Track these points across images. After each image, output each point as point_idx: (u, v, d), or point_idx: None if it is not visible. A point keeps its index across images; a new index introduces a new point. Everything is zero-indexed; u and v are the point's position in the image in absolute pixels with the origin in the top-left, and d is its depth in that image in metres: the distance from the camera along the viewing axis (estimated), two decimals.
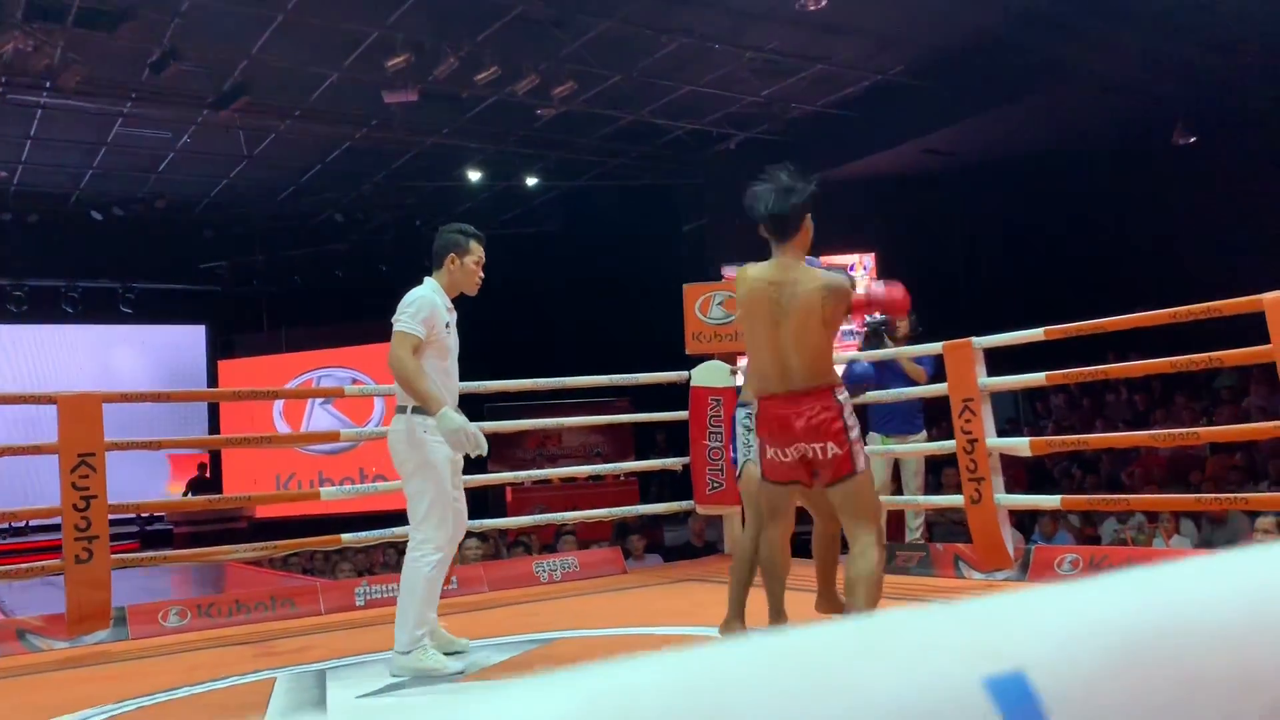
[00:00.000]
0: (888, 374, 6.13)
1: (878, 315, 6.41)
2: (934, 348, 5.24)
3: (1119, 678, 0.51)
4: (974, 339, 4.92)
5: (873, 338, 6.11)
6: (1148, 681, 0.51)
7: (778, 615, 3.59)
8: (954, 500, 5.26)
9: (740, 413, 4.05)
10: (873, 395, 5.95)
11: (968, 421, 4.92)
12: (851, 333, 7.57)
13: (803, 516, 3.69)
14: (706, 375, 6.07)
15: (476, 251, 3.95)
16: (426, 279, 3.91)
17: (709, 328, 6.17)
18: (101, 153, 11.62)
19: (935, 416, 6.79)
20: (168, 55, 8.94)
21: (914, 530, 6.16)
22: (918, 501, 5.93)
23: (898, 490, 6.17)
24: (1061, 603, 0.55)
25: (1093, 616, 0.54)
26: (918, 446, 6.04)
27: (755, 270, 3.38)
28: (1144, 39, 9.24)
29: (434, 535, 3.66)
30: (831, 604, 3.93)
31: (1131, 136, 11.23)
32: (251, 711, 3.22)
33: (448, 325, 3.86)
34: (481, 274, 3.99)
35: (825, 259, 3.73)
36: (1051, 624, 0.53)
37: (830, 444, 3.31)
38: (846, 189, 12.30)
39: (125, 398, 5.55)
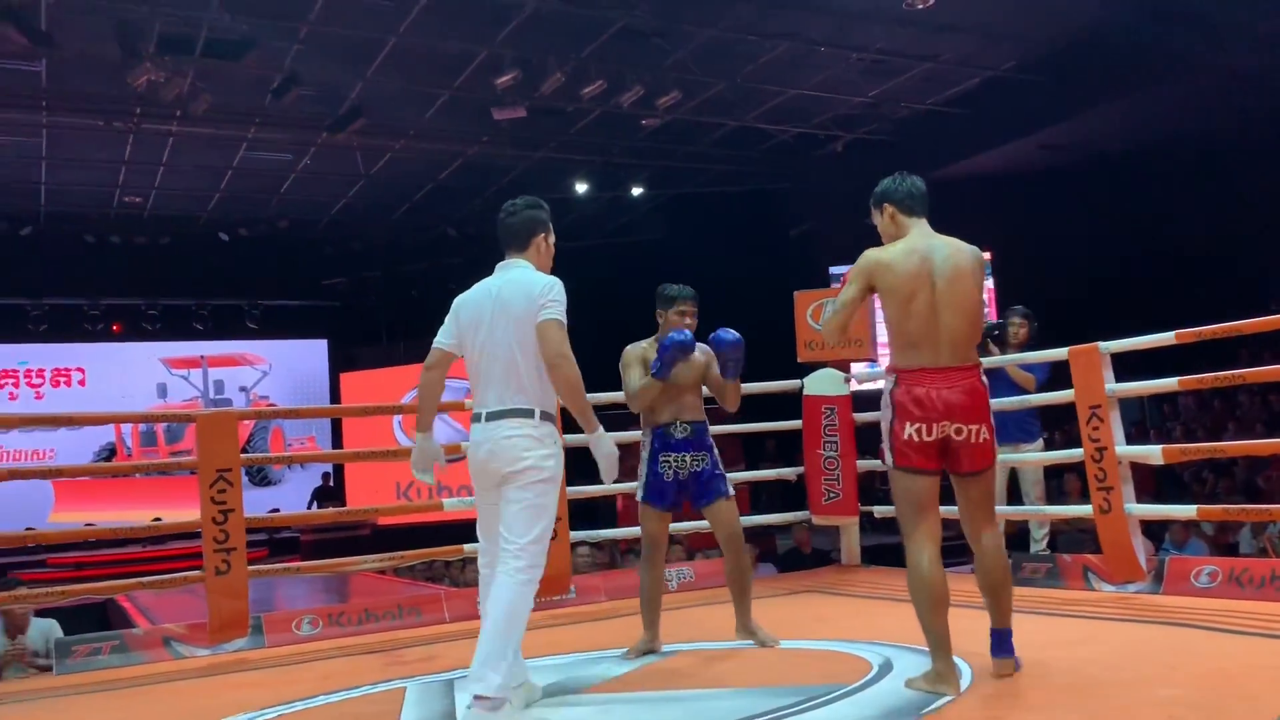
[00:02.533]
0: (997, 382, 5.97)
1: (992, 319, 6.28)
2: (1059, 353, 5.09)
3: None
4: (1100, 344, 4.77)
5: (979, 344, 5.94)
6: None
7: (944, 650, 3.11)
8: (1081, 510, 5.10)
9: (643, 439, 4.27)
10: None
11: (1095, 429, 4.76)
12: None
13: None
14: (820, 384, 6.02)
15: (553, 230, 3.48)
16: (517, 261, 3.36)
17: (821, 335, 6.10)
18: (228, 176, 12.15)
19: (1048, 423, 6.60)
20: (288, 81, 9.31)
21: (1039, 541, 5.99)
22: (1044, 511, 5.77)
23: (1015, 501, 6.01)
24: None
25: None
26: (1036, 456, 5.89)
27: (895, 245, 3.25)
28: (1271, 26, 8.82)
29: (541, 557, 3.20)
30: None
31: (1258, 128, 10.73)
32: None
33: None
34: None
35: None
36: None
37: (983, 427, 3.17)
38: (958, 188, 12.04)
39: (259, 415, 5.78)
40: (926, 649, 3.75)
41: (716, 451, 4.28)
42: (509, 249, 3.37)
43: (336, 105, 10.19)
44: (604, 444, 3.28)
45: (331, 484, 14.57)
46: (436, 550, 5.50)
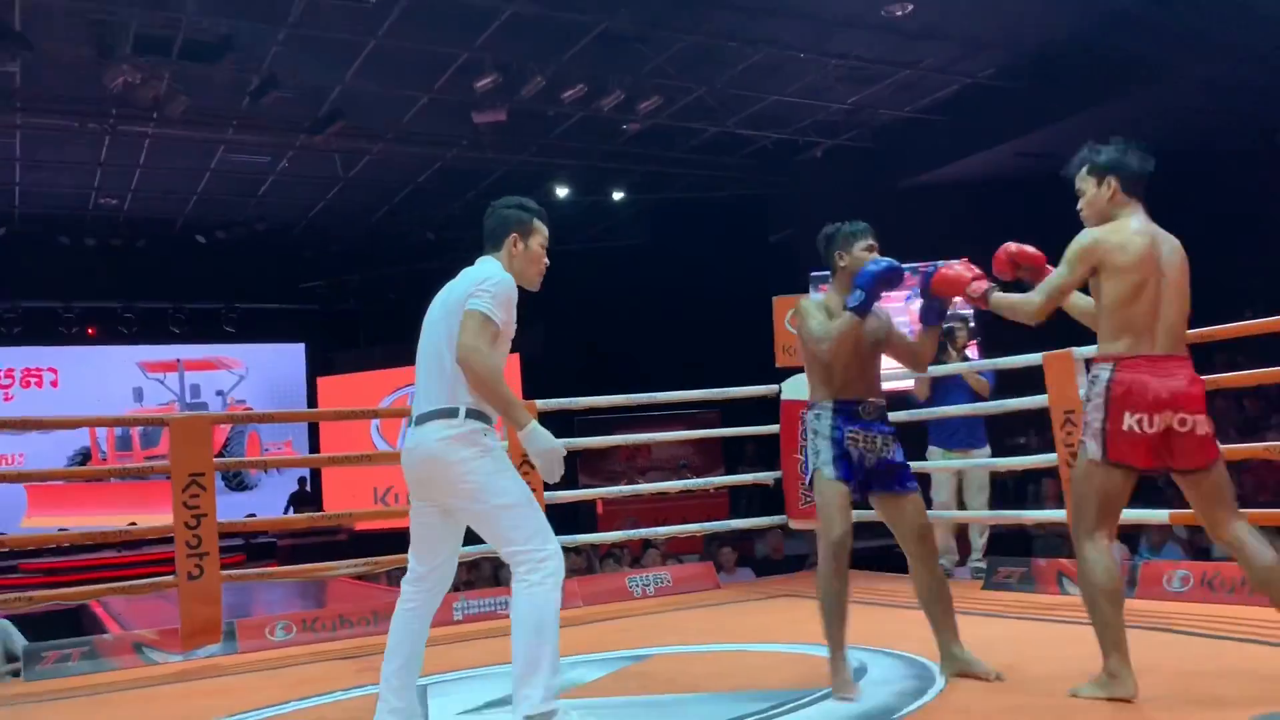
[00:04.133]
0: (951, 387, 6.03)
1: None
2: (1034, 358, 5.11)
3: None
4: (1075, 349, 4.80)
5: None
6: None
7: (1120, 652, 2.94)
8: (1056, 515, 5.13)
9: (809, 414, 3.49)
10: (938, 410, 5.90)
11: (1069, 434, 4.79)
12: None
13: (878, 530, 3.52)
14: (798, 388, 6.02)
15: (541, 232, 3.22)
16: (486, 258, 3.17)
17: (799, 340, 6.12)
18: (205, 179, 12.06)
19: (999, 432, 6.62)
20: (267, 83, 9.25)
21: (978, 550, 5.99)
22: (981, 517, 5.82)
23: (961, 507, 6.05)
24: None
25: None
26: (985, 461, 5.93)
27: (1122, 225, 3.07)
28: (1246, 37, 8.91)
29: (546, 545, 2.89)
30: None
31: (1230, 137, 10.84)
32: None
33: None
34: (546, 261, 3.26)
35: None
36: None
37: (1202, 418, 2.95)
38: (935, 194, 12.12)
39: (233, 419, 5.74)
40: (901, 653, 3.77)
41: None
42: (485, 247, 3.19)
43: (315, 107, 10.14)
44: (538, 438, 2.89)
45: (308, 489, 14.49)
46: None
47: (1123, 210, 3.11)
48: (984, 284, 3.27)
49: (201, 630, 4.75)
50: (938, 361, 5.98)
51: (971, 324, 6.40)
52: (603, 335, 13.07)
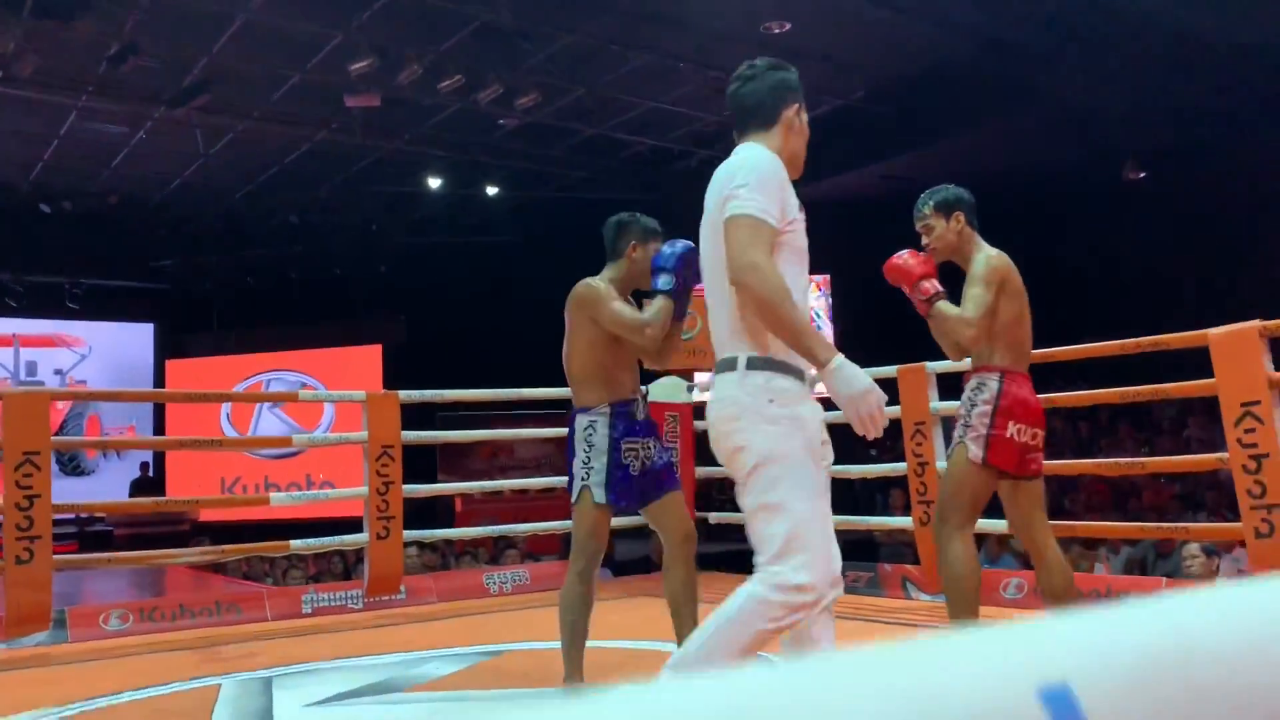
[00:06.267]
0: None
1: None
2: (888, 371, 5.30)
3: (1144, 690, 0.57)
4: (927, 364, 4.99)
5: None
6: (1167, 694, 0.57)
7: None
8: (903, 522, 5.32)
9: (580, 422, 3.22)
10: None
11: (919, 444, 4.99)
12: None
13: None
14: (663, 391, 6.09)
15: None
16: (745, 144, 2.44)
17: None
18: (54, 145, 11.41)
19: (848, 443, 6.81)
20: (126, 49, 8.81)
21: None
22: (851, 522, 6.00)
23: None
24: (1097, 623, 0.63)
25: (1122, 636, 0.59)
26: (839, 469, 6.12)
27: (998, 252, 3.38)
28: (1101, 69, 9.45)
29: (804, 572, 2.14)
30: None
31: (1084, 167, 11.48)
32: (196, 718, 3.17)
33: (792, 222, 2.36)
34: None
35: None
36: (1089, 641, 0.58)
37: (1042, 432, 3.31)
38: (806, 211, 12.41)
39: (74, 396, 5.45)
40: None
41: None
42: (744, 132, 2.47)
43: (178, 79, 9.72)
44: (844, 377, 2.12)
45: (151, 475, 13.84)
46: (261, 545, 5.29)
47: (971, 242, 3.36)
48: (935, 285, 3.34)
49: (28, 617, 4.49)
50: None
51: None
52: (469, 330, 12.92)
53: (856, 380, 2.10)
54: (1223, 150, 10.68)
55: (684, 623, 3.29)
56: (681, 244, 3.18)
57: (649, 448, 3.26)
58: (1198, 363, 4.07)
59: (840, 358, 2.12)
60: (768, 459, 2.13)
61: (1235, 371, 3.92)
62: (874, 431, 2.14)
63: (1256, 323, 3.92)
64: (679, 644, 3.30)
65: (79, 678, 3.95)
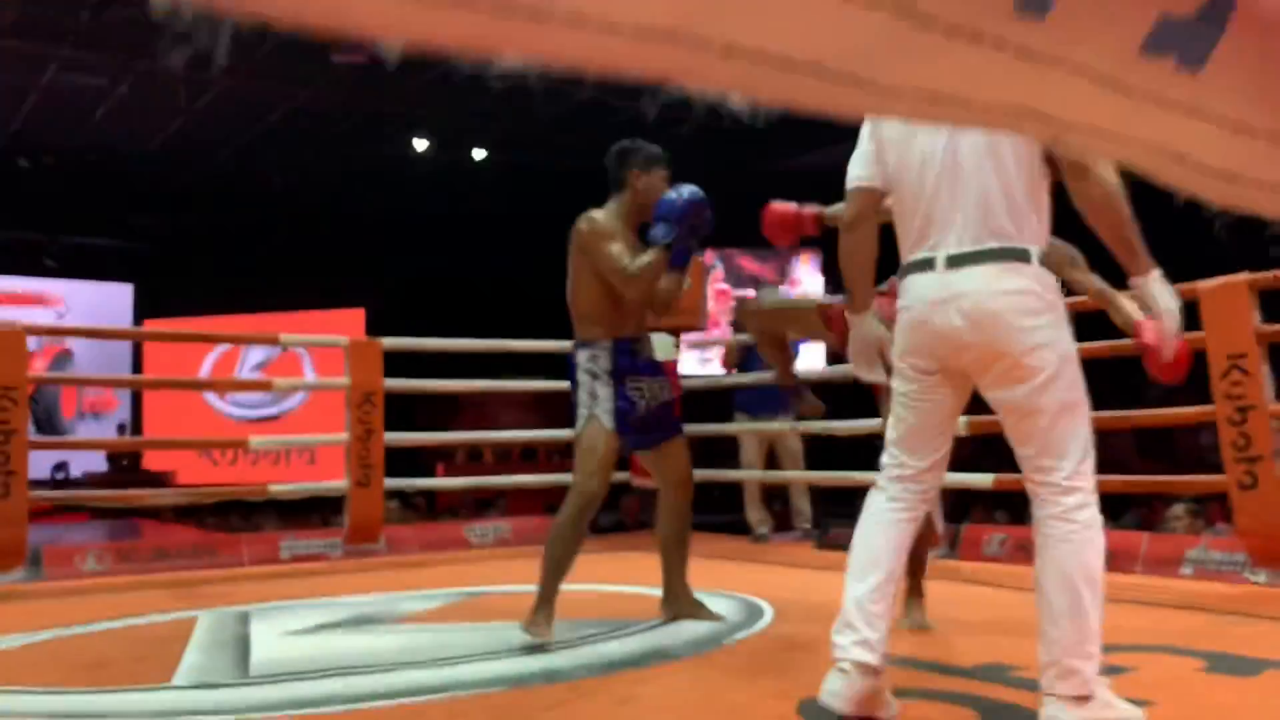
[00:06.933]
0: (758, 356, 6.21)
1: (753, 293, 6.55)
2: None
3: None
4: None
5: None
6: None
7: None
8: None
9: (582, 355, 3.17)
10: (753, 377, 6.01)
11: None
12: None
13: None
14: (660, 348, 6.05)
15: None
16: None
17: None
18: (33, 98, 11.24)
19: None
20: None
21: (805, 515, 6.12)
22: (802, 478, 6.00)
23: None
24: None
25: None
26: (790, 425, 6.07)
27: None
28: None
29: (1092, 488, 2.04)
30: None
31: None
32: (174, 644, 3.14)
33: None
34: None
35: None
36: None
37: None
38: (798, 181, 12.36)
39: (53, 331, 5.38)
40: (731, 593, 3.85)
41: None
42: None
43: (161, 30, 9.58)
44: (1167, 289, 2.04)
45: (129, 436, 13.72)
46: (238, 489, 5.25)
47: None
48: (813, 209, 3.06)
49: (4, 553, 4.44)
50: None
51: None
52: (452, 295, 12.85)
53: (1172, 294, 2.04)
54: None
55: (672, 569, 3.32)
56: (689, 191, 3.07)
57: (654, 388, 3.19)
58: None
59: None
60: (1068, 358, 2.04)
61: (1223, 325, 3.92)
62: (1169, 355, 2.09)
63: (1245, 275, 3.91)
64: (664, 589, 3.34)
65: (54, 611, 3.91)
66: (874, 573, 2.10)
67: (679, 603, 3.32)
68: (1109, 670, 2.42)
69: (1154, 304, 2.04)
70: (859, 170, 2.28)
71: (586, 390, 3.11)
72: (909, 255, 2.16)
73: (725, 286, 12.54)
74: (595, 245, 3.10)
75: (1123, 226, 2.01)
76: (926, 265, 2.10)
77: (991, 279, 2.03)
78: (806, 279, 12.68)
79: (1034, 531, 2.06)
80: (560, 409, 3.20)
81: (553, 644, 2.94)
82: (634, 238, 3.18)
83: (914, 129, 2.12)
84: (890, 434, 2.22)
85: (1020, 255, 2.04)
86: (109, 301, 14.58)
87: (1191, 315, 4.00)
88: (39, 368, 13.32)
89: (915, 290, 2.12)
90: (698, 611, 3.30)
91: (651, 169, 3.21)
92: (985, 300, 2.02)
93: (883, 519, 2.16)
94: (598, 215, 3.17)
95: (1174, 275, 2.14)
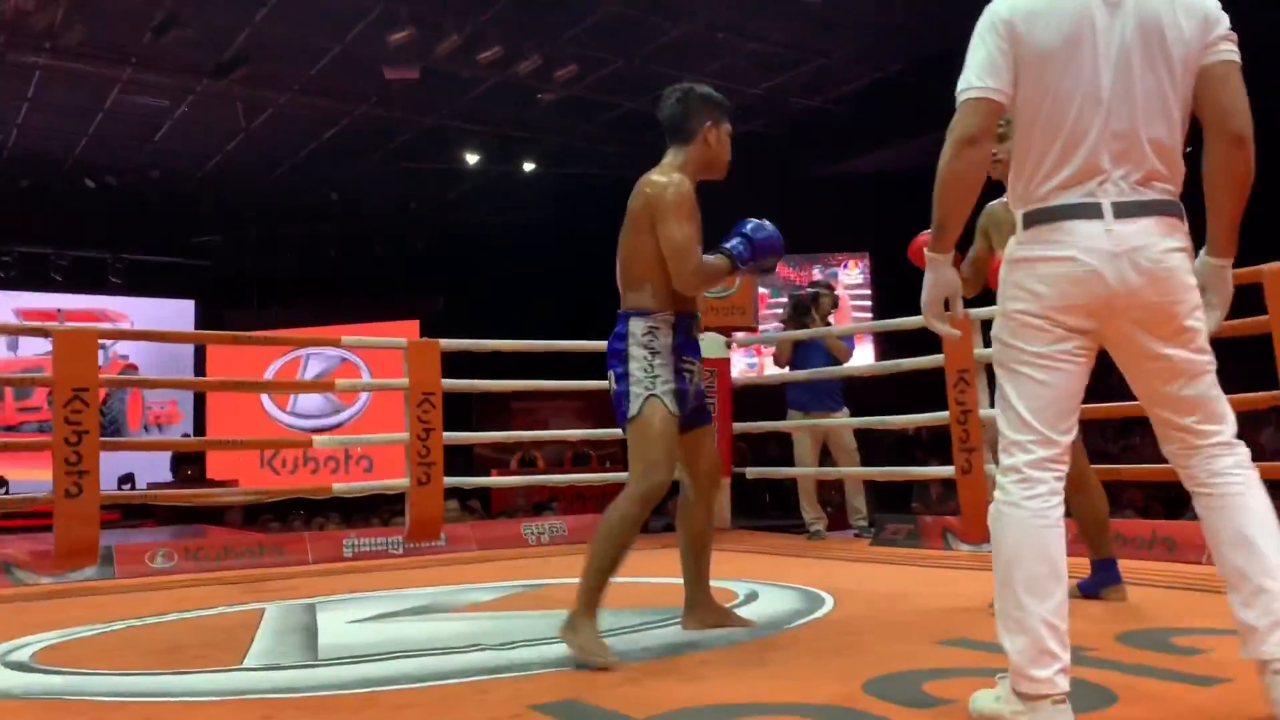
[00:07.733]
0: (811, 352, 6.21)
1: (806, 290, 6.62)
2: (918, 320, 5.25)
3: None
4: (970, 310, 4.94)
5: (799, 313, 6.25)
6: None
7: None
8: (945, 471, 5.28)
9: (637, 326, 2.82)
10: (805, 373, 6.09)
11: (962, 393, 4.95)
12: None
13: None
14: (710, 347, 6.09)
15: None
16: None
17: (705, 301, 6.20)
18: (98, 119, 11.56)
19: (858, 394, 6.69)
20: (169, 20, 8.92)
21: (860, 513, 6.05)
22: (856, 473, 6.00)
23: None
24: None
25: None
26: (845, 421, 6.06)
27: None
28: None
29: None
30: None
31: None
32: (243, 632, 3.21)
33: None
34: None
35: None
36: None
37: None
38: (844, 186, 12.36)
39: (121, 335, 5.51)
40: (789, 585, 3.85)
41: None
42: None
43: (220, 51, 9.83)
44: (1228, 276, 2.04)
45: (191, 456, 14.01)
46: (303, 488, 5.35)
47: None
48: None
49: (77, 551, 4.56)
50: (801, 326, 6.18)
51: (836, 293, 6.72)
52: (506, 307, 12.97)
53: None
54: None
55: (696, 563, 3.04)
56: (771, 228, 2.92)
57: (700, 371, 2.96)
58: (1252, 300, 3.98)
59: None
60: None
61: None
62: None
63: None
64: (688, 597, 3.06)
65: (127, 604, 4.01)
66: (1057, 586, 1.85)
67: (706, 612, 3.02)
68: (1188, 651, 2.41)
69: (1220, 290, 2.00)
70: (986, 78, 1.98)
71: (643, 368, 2.77)
72: (1050, 191, 1.95)
73: (764, 292, 12.52)
74: (674, 215, 2.76)
75: (1243, 205, 1.96)
76: (1088, 211, 1.90)
77: (1162, 233, 1.90)
78: (846, 280, 12.67)
79: (1200, 502, 1.93)
80: (610, 413, 2.87)
81: (612, 663, 2.57)
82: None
83: (1075, 43, 1.92)
84: (1020, 409, 1.93)
85: (1180, 211, 1.94)
86: (172, 317, 14.92)
87: (1256, 298, 3.95)
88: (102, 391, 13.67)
89: (1076, 239, 1.89)
90: (726, 619, 3.03)
91: (723, 121, 2.96)
92: (1163, 258, 1.88)
93: (1046, 519, 1.88)
94: (672, 179, 2.83)
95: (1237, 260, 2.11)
